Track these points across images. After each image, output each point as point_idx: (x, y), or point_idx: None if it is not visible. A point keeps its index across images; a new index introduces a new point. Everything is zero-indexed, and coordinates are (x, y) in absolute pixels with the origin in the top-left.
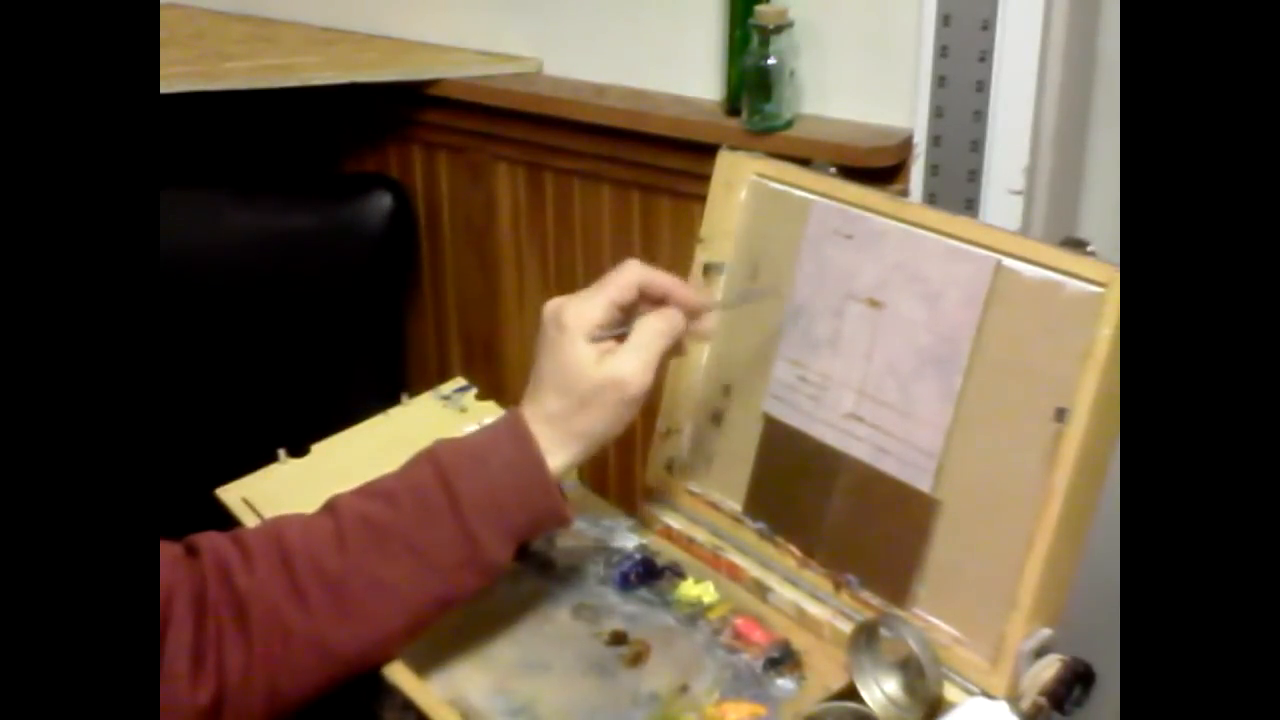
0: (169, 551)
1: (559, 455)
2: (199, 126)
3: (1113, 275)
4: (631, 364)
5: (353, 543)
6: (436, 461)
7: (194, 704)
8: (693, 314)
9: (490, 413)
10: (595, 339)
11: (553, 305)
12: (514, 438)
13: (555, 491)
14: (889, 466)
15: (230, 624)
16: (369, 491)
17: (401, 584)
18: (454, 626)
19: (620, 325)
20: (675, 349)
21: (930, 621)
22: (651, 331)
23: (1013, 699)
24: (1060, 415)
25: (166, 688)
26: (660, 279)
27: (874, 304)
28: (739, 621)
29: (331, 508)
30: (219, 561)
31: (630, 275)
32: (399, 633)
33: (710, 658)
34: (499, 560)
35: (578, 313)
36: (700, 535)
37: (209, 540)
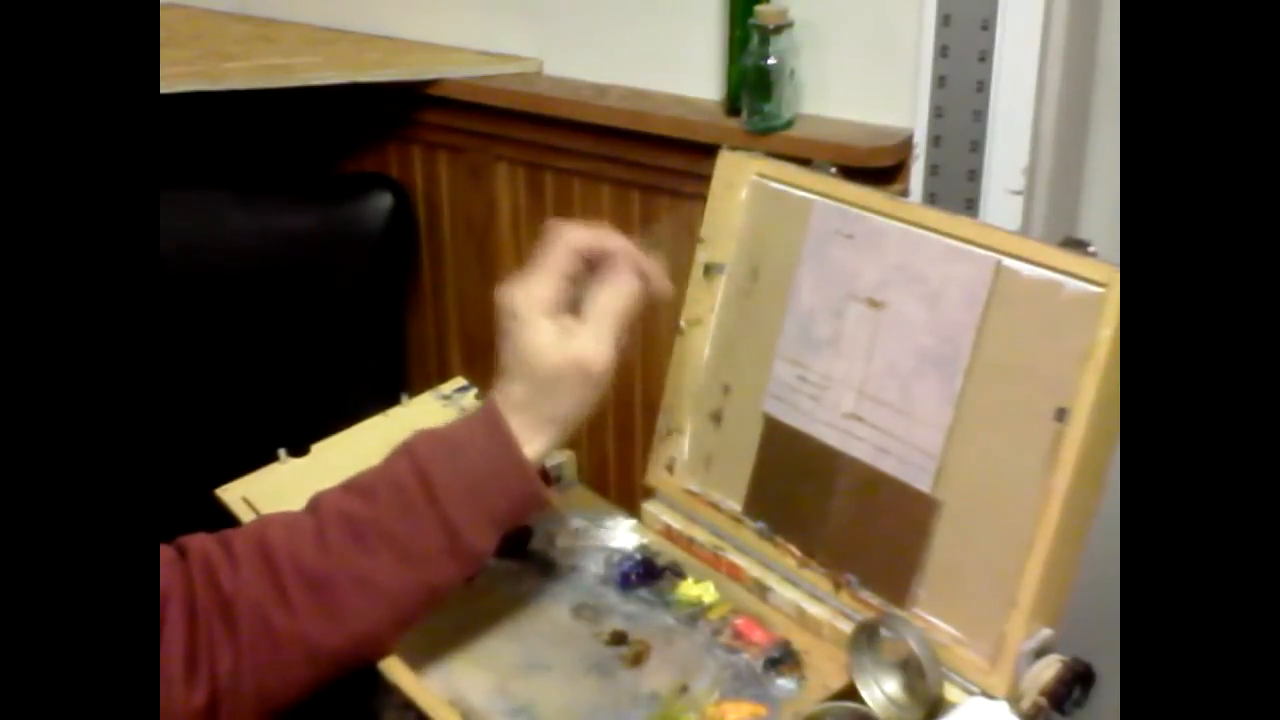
0: (164, 554)
1: (533, 442)
2: (199, 126)
3: (1113, 275)
4: (590, 343)
5: (333, 540)
6: (412, 453)
7: (190, 706)
8: (642, 272)
9: None
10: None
11: (503, 294)
12: (488, 424)
13: (532, 475)
14: (889, 466)
15: (219, 625)
16: (349, 487)
17: (383, 577)
18: (454, 626)
19: (573, 294)
20: (642, 312)
21: (930, 621)
22: (604, 308)
23: (1013, 699)
24: (1060, 415)
25: (163, 691)
26: (596, 239)
27: (874, 304)
28: (739, 621)
29: (314, 506)
30: (205, 563)
31: (564, 241)
32: (385, 627)
33: (710, 658)
34: (480, 547)
35: (527, 296)
36: (700, 535)
37: (196, 542)
